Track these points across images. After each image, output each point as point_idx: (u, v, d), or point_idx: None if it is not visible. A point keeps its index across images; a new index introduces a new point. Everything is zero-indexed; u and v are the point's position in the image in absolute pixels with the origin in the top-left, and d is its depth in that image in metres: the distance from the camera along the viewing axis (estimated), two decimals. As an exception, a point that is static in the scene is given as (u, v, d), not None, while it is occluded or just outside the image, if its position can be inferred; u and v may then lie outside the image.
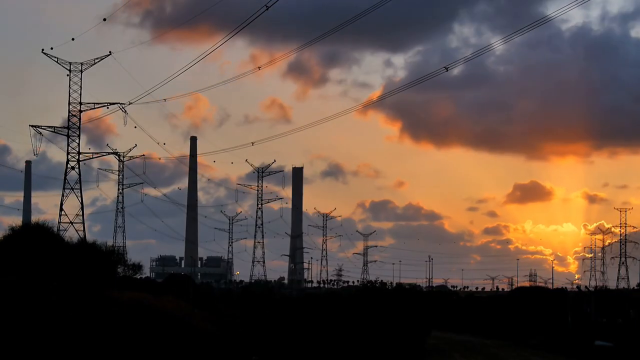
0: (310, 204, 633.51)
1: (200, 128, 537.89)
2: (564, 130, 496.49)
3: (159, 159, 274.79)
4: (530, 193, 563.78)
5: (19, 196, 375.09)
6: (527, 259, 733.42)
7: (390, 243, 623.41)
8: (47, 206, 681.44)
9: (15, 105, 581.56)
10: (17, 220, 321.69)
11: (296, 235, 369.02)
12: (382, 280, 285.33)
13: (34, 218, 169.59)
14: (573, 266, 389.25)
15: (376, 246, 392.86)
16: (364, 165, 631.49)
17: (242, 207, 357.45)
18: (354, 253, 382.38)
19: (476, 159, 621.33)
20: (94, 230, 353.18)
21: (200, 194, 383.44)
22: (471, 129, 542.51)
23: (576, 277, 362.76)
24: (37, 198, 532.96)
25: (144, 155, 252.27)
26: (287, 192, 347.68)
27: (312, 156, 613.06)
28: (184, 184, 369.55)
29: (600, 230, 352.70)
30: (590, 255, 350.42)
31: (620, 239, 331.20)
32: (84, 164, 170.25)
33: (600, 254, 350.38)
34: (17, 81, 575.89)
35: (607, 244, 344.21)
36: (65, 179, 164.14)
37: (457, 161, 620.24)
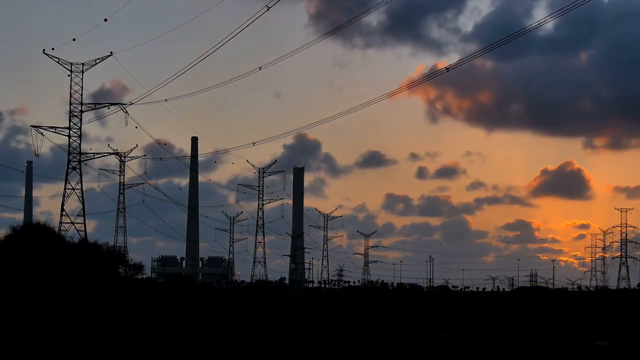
0: (336, 194, 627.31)
1: (201, 127, 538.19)
2: (629, 116, 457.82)
3: (160, 159, 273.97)
4: (569, 186, 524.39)
5: (20, 196, 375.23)
6: (542, 259, 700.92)
7: (402, 240, 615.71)
8: (48, 206, 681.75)
9: (17, 105, 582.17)
10: (19, 216, 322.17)
11: (297, 236, 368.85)
12: (383, 281, 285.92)
13: (35, 218, 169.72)
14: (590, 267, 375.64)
15: (377, 246, 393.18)
16: (399, 151, 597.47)
17: (243, 207, 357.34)
18: (355, 253, 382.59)
19: (520, 142, 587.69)
20: (95, 230, 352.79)
21: (201, 194, 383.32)
22: (519, 108, 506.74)
23: (582, 278, 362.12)
24: (38, 198, 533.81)
25: (144, 155, 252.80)
26: (289, 192, 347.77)
27: (346, 142, 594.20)
28: (185, 183, 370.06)
29: (601, 230, 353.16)
30: (611, 255, 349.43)
31: (621, 240, 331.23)
32: (85, 164, 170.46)
33: (603, 254, 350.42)
34: (19, 81, 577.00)
35: (607, 244, 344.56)
36: (66, 179, 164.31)
37: (498, 144, 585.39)
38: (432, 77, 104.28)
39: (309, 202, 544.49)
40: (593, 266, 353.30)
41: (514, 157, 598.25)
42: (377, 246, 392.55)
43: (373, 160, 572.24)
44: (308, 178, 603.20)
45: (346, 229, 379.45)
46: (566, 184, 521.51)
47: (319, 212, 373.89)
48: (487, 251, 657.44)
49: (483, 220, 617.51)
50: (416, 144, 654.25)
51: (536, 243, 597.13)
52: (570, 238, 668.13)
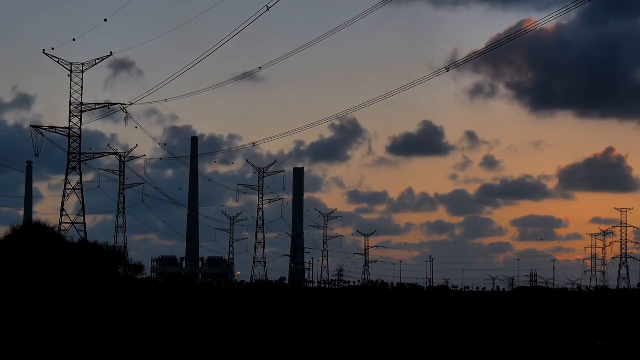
0: (369, 183, 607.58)
1: (202, 127, 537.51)
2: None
3: (160, 159, 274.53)
4: (609, 178, 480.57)
5: (20, 196, 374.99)
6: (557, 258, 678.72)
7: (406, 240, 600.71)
8: (48, 207, 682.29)
9: (16, 105, 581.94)
10: (20, 213, 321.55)
11: (297, 236, 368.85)
12: (382, 281, 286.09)
13: (35, 218, 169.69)
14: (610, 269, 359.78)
15: (377, 246, 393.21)
16: (432, 137, 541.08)
17: (243, 207, 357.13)
18: (355, 253, 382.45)
19: (560, 125, 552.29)
20: (95, 230, 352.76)
21: (201, 194, 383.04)
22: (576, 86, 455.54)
23: (582, 278, 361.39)
24: (38, 198, 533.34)
25: (144, 155, 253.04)
26: (289, 192, 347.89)
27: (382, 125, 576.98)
28: (184, 184, 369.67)
29: (601, 230, 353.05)
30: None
31: (621, 239, 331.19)
32: (85, 164, 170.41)
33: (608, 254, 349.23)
34: (19, 81, 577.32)
35: (607, 244, 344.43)
36: (66, 179, 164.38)
37: (536, 130, 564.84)
38: (430, 77, 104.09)
39: (326, 194, 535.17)
40: (593, 266, 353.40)
41: (556, 143, 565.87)
42: (377, 246, 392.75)
43: (402, 147, 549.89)
44: (336, 169, 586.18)
45: (346, 229, 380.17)
46: (606, 175, 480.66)
47: (319, 211, 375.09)
48: (502, 250, 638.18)
49: (505, 216, 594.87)
50: (452, 127, 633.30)
51: (557, 241, 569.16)
52: (592, 235, 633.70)
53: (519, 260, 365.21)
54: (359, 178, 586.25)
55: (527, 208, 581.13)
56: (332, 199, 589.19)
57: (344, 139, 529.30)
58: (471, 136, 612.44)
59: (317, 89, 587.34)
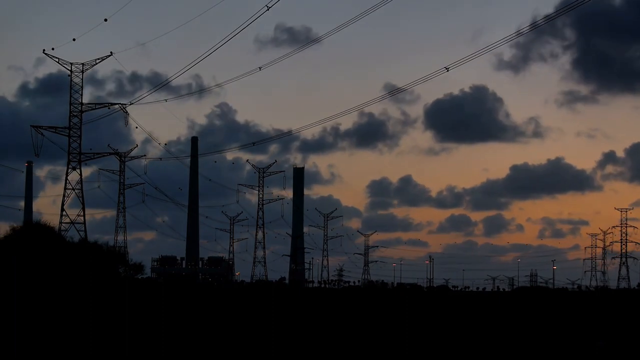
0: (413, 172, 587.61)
1: (201, 127, 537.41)
2: None
3: (160, 159, 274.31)
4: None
5: (20, 196, 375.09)
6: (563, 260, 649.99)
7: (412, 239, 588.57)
8: (48, 207, 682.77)
9: (16, 105, 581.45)
10: (21, 203, 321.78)
11: (297, 236, 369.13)
12: (382, 281, 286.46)
13: (35, 218, 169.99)
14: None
15: (377, 246, 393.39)
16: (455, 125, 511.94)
17: (243, 207, 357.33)
18: (355, 253, 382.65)
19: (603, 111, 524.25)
20: (95, 230, 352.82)
21: (201, 194, 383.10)
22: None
23: (582, 278, 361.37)
24: (37, 198, 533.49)
25: (144, 155, 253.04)
26: (289, 191, 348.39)
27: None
28: (184, 184, 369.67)
29: (601, 230, 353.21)
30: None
31: (621, 239, 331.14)
32: (85, 164, 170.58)
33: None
34: (18, 81, 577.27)
35: (607, 244, 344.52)
36: (66, 179, 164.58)
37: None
38: (431, 77, 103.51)
39: (345, 187, 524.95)
40: (593, 266, 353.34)
41: (605, 130, 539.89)
42: (377, 246, 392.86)
43: (432, 134, 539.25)
44: (364, 156, 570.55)
45: (347, 229, 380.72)
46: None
47: (319, 211, 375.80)
48: (515, 250, 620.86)
49: (526, 213, 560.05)
50: (487, 111, 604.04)
51: (577, 239, 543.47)
52: (592, 235, 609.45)
53: (519, 260, 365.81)
54: (380, 169, 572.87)
55: (553, 204, 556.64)
56: (351, 192, 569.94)
57: (370, 128, 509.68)
58: (508, 123, 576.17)
59: (345, 75, 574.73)
